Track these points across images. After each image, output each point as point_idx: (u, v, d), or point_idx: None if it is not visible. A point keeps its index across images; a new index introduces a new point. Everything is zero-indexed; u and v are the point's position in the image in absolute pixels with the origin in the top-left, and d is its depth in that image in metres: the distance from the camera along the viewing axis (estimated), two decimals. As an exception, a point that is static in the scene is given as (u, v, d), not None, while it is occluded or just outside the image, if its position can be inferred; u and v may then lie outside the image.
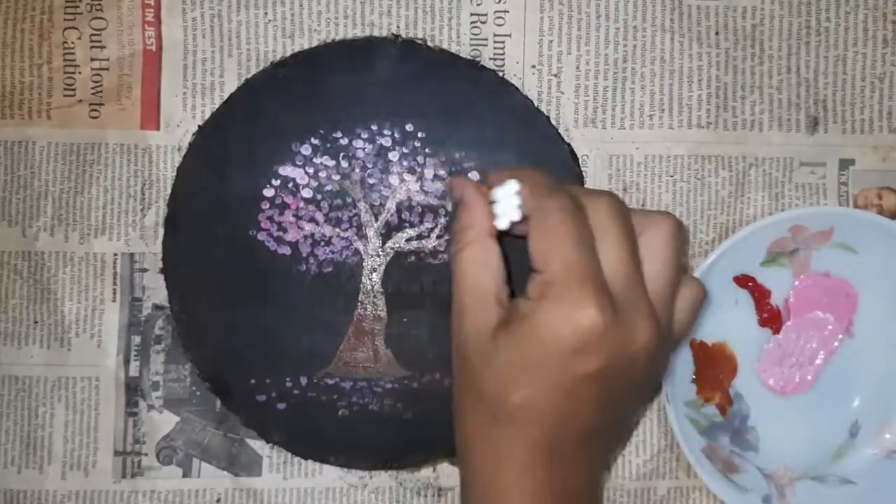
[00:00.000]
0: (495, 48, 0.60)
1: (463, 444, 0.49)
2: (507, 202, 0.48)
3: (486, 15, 0.60)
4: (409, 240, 0.59)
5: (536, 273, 0.46)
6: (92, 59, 0.59)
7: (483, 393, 0.46)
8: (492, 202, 0.49)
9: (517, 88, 0.59)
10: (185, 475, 0.59)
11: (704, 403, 0.59)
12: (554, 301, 0.44)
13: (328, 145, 0.58)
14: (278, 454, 0.59)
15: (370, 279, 0.59)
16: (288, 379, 0.59)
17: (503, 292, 0.48)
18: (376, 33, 0.59)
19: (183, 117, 0.59)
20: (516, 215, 0.48)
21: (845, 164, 0.61)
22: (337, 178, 0.59)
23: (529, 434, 0.46)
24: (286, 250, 0.59)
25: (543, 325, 0.44)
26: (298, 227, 0.59)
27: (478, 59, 0.59)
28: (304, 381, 0.59)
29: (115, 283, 0.59)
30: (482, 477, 0.48)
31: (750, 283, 0.59)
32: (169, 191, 0.59)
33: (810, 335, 0.60)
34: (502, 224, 0.48)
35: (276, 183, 0.58)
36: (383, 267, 0.59)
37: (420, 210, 0.59)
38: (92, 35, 0.59)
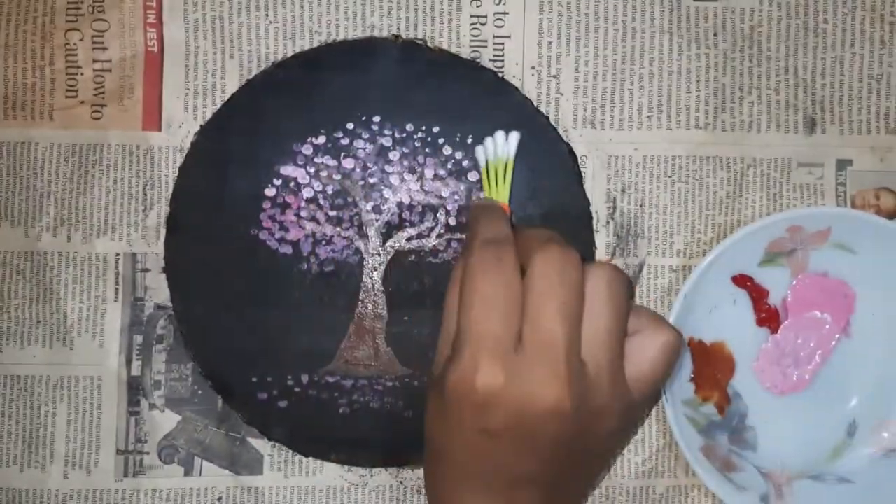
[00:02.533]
0: (495, 50, 0.60)
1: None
2: None
3: (485, 17, 0.60)
4: (409, 239, 0.59)
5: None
6: (94, 61, 0.60)
7: None
8: None
9: (517, 88, 0.59)
10: (186, 474, 0.60)
11: (702, 402, 0.60)
12: (455, 361, 0.47)
13: (329, 145, 0.59)
14: (279, 453, 0.60)
15: (371, 278, 0.59)
16: (289, 377, 0.59)
17: None
18: (377, 35, 0.60)
19: (184, 118, 0.60)
20: None
21: (843, 164, 0.61)
22: (338, 177, 0.59)
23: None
24: (287, 249, 0.59)
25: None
26: (300, 227, 0.59)
27: (478, 60, 0.60)
28: (305, 379, 0.59)
29: (117, 283, 0.60)
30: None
31: (748, 283, 0.59)
32: (171, 191, 0.59)
33: (808, 335, 0.60)
34: None
35: (278, 182, 0.59)
36: (384, 266, 0.59)
37: (420, 209, 0.59)
38: (94, 36, 0.60)
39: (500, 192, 0.57)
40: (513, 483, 0.48)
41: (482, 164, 0.58)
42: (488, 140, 0.57)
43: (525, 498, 0.48)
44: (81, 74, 0.60)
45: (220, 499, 0.60)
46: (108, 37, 0.60)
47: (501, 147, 0.57)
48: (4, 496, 0.59)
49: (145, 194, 0.60)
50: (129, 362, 0.60)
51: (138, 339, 0.60)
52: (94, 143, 0.60)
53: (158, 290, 0.60)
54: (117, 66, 0.60)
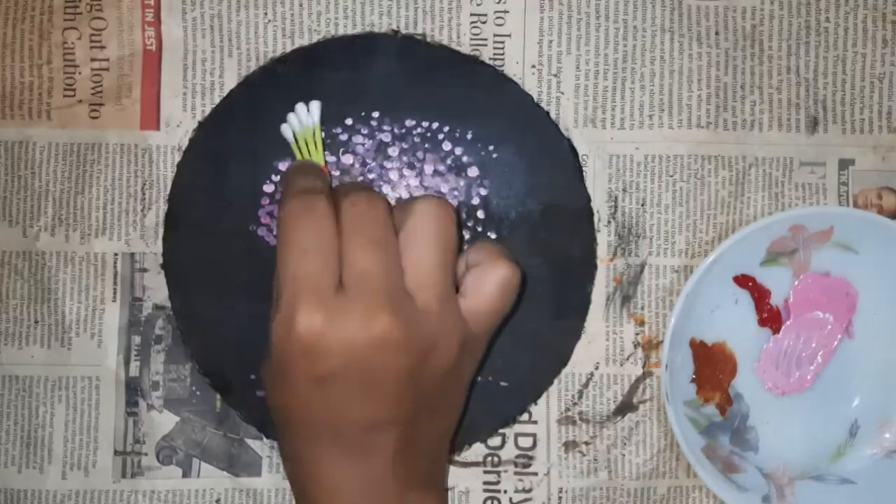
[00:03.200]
0: (495, 48, 0.60)
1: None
2: None
3: (485, 15, 0.60)
4: None
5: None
6: (92, 60, 0.60)
7: None
8: None
9: (517, 84, 0.59)
10: (184, 475, 0.60)
11: (704, 403, 0.60)
12: (275, 310, 0.46)
13: (328, 141, 0.59)
14: (278, 454, 0.59)
15: (370, 274, 0.59)
16: (287, 375, 0.59)
17: None
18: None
19: (183, 117, 0.59)
20: None
21: (845, 163, 0.61)
22: (337, 173, 0.59)
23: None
24: (286, 245, 0.59)
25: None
26: (298, 223, 0.59)
27: (478, 56, 0.59)
28: (302, 377, 0.59)
29: (115, 283, 0.59)
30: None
31: (750, 283, 0.59)
32: (169, 191, 0.59)
33: (810, 335, 0.60)
34: None
35: (276, 178, 0.59)
36: (382, 262, 0.59)
37: (420, 206, 0.59)
38: (92, 35, 0.59)
39: (316, 158, 0.56)
40: (366, 428, 0.47)
41: (291, 140, 0.57)
42: (290, 115, 0.57)
43: (383, 440, 0.48)
44: (79, 73, 0.60)
45: (218, 500, 0.60)
46: (105, 35, 0.60)
47: (305, 117, 0.57)
48: (3, 497, 0.59)
49: (143, 194, 0.60)
50: (127, 363, 0.59)
51: (136, 339, 0.60)
52: (93, 143, 0.59)
53: (157, 290, 0.59)
54: (115, 64, 0.60)
